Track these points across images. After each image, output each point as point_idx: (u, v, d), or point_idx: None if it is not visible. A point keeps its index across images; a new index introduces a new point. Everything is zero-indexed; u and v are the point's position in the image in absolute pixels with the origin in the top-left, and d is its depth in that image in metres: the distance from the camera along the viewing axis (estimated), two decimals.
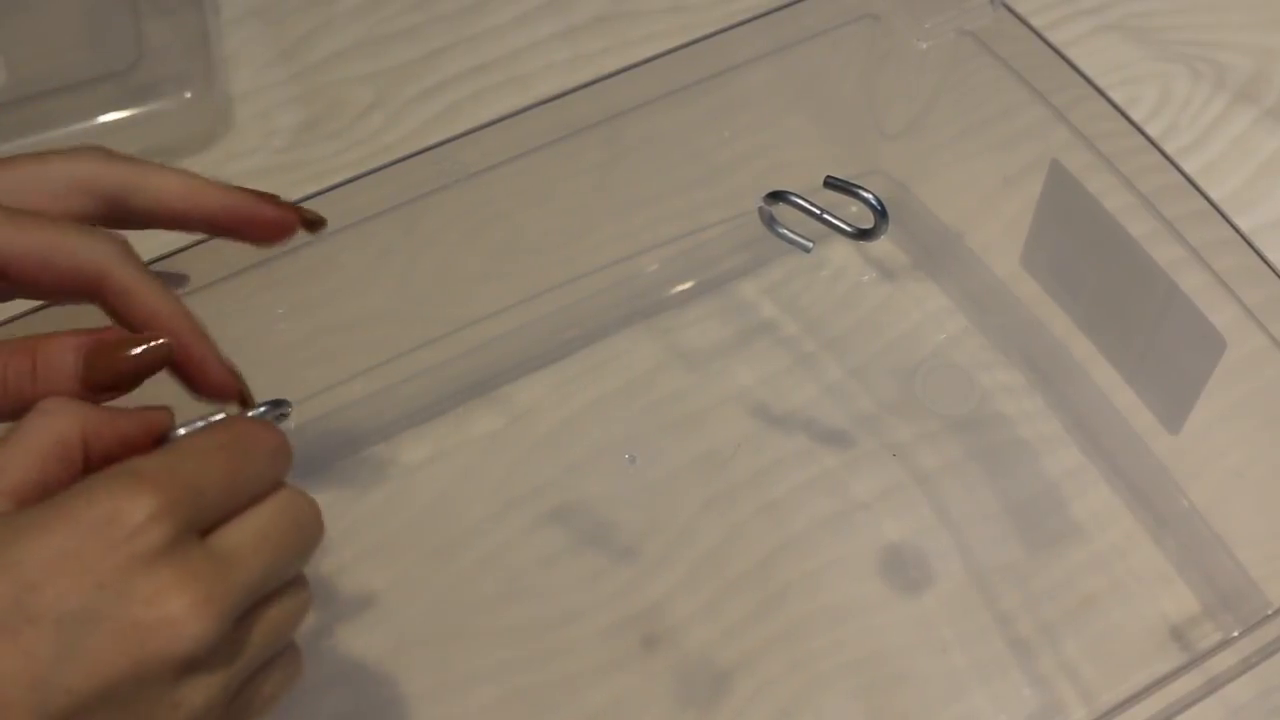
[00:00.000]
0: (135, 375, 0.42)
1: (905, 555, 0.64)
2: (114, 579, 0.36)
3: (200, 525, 0.39)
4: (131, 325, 0.43)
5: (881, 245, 0.73)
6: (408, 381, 0.67)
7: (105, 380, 0.42)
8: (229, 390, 0.45)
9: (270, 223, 0.48)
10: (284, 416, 0.46)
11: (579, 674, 0.60)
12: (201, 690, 0.38)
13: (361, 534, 0.64)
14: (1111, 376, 0.64)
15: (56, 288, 0.43)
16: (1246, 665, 0.50)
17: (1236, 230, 0.57)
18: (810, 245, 0.56)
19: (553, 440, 0.67)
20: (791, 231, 0.56)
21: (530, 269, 0.68)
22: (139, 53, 0.75)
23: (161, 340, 0.43)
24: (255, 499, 0.40)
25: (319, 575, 0.62)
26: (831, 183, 0.53)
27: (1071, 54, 0.63)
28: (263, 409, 0.45)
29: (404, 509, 0.65)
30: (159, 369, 0.43)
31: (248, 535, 0.40)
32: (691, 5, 0.83)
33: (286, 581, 0.41)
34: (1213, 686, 0.49)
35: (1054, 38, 0.71)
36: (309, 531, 0.42)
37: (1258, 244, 0.57)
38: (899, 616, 0.62)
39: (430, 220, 0.62)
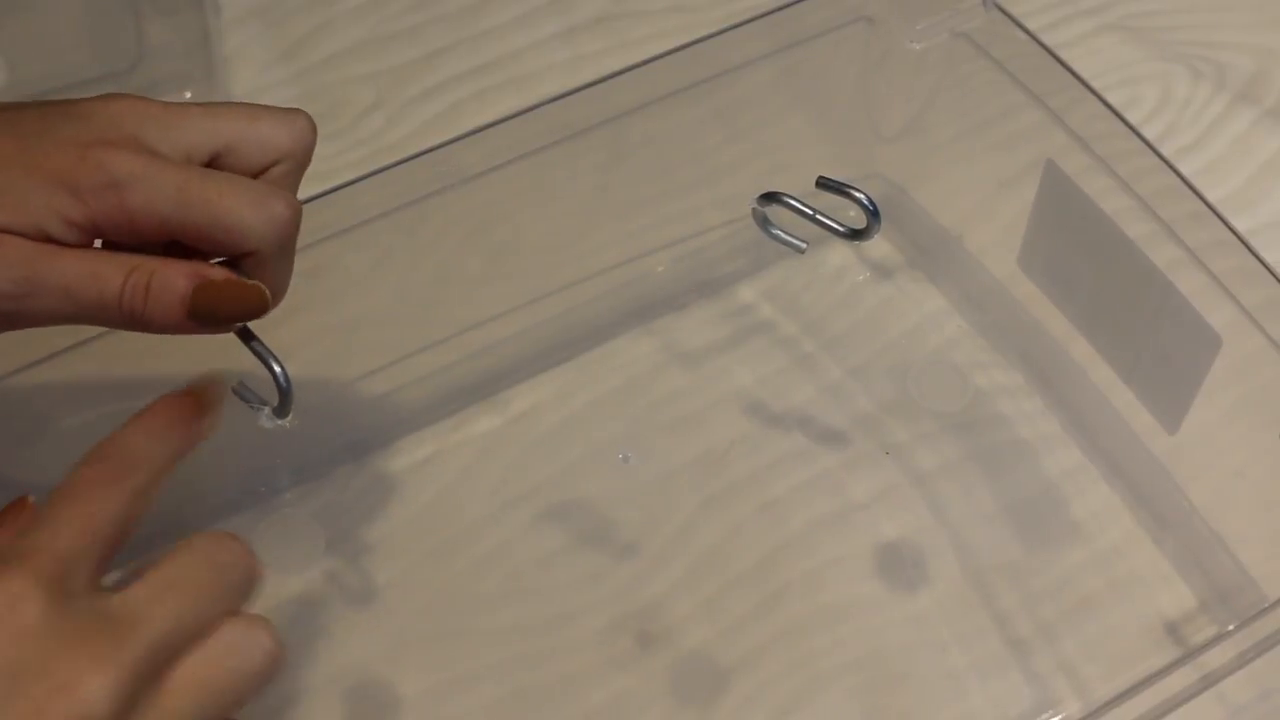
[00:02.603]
0: (234, 318, 0.46)
1: (903, 555, 0.64)
2: (6, 659, 0.36)
3: (78, 584, 0.38)
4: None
5: (879, 246, 0.73)
6: (408, 383, 0.67)
7: (206, 316, 0.45)
8: None
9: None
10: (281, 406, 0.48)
11: (578, 673, 0.60)
12: None
13: (361, 534, 0.64)
14: (1109, 377, 0.64)
15: (212, 252, 0.45)
16: (1242, 660, 0.50)
17: (1233, 231, 0.57)
18: (804, 246, 0.56)
19: (552, 440, 0.67)
20: (785, 232, 0.56)
21: (530, 271, 0.68)
22: (139, 53, 0.75)
23: (262, 291, 0.45)
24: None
25: (319, 575, 0.62)
26: (824, 183, 0.53)
27: (1071, 54, 0.63)
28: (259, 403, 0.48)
29: (404, 509, 0.65)
30: (256, 317, 0.46)
31: (149, 586, 0.39)
32: (692, 5, 0.83)
33: (224, 634, 0.40)
34: (1208, 682, 0.50)
35: (1054, 38, 0.71)
36: (230, 574, 0.41)
37: (1259, 244, 0.57)
38: (897, 616, 0.62)
39: (430, 222, 0.62)
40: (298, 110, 0.48)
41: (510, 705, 0.60)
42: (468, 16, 0.82)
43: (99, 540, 0.40)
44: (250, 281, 0.45)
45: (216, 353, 0.48)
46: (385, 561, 0.63)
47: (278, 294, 0.47)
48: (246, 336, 0.48)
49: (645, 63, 0.63)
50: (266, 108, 0.47)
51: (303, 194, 0.55)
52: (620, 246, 0.70)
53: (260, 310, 0.46)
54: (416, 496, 0.65)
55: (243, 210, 0.44)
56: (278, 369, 0.48)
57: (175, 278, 0.44)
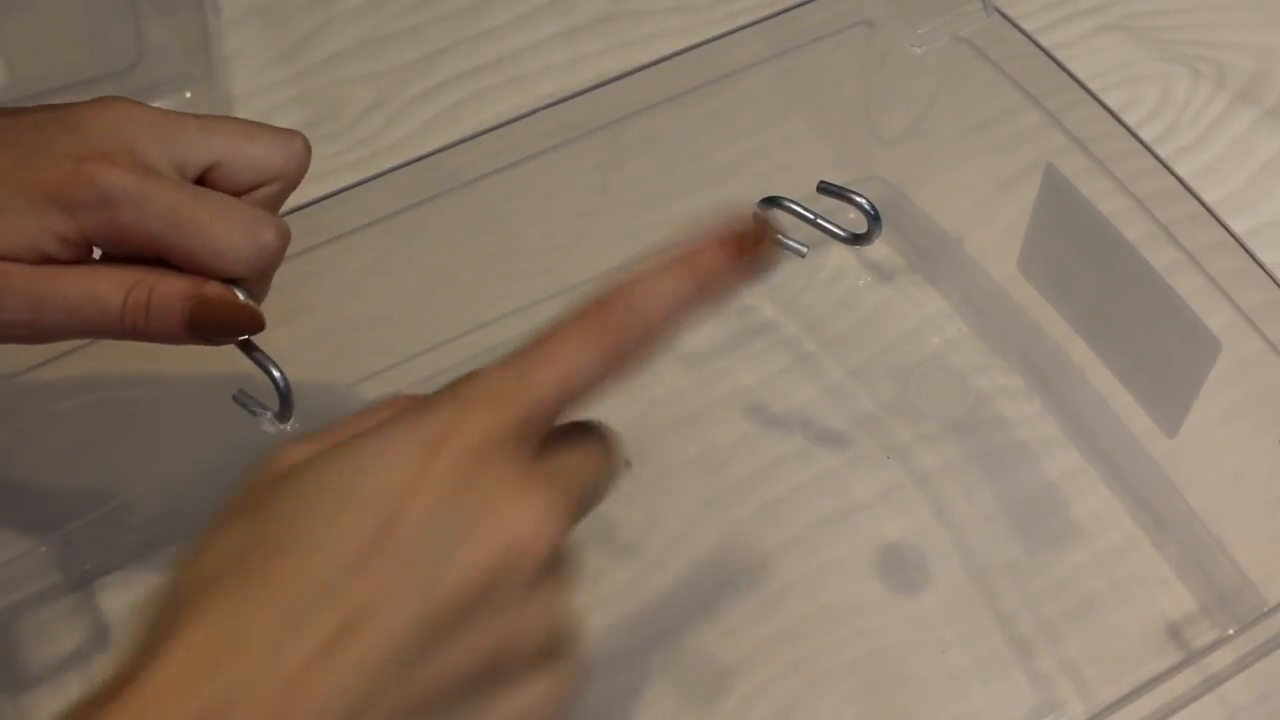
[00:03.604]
0: (229, 334, 0.47)
1: (904, 555, 0.64)
2: (467, 491, 0.37)
3: (536, 429, 0.40)
4: None
5: (879, 249, 0.73)
6: (409, 385, 0.67)
7: (202, 331, 0.46)
8: None
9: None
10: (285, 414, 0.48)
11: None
12: (554, 587, 0.39)
13: None
14: (1108, 379, 0.64)
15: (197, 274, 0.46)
16: (1243, 664, 0.50)
17: (1231, 233, 0.57)
18: (805, 250, 0.56)
19: None
20: (786, 236, 0.56)
21: (530, 272, 0.68)
22: (139, 53, 0.75)
23: (255, 311, 0.46)
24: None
25: None
26: (825, 188, 0.53)
27: (1071, 54, 0.63)
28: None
29: None
30: (250, 333, 0.47)
31: (576, 455, 0.41)
32: (692, 6, 0.83)
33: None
34: (1210, 685, 0.50)
35: (1054, 38, 0.71)
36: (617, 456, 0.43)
37: (1260, 244, 0.57)
38: (898, 616, 0.62)
39: (430, 225, 0.62)
40: (294, 132, 0.48)
41: None
42: (468, 16, 0.82)
43: (567, 394, 0.40)
44: (244, 302, 0.46)
45: (218, 357, 0.48)
46: None
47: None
48: (247, 346, 0.48)
49: (646, 66, 0.63)
50: (263, 126, 0.48)
51: (303, 195, 0.55)
52: (621, 247, 0.70)
53: (253, 329, 0.47)
54: None
55: (233, 237, 0.45)
56: (277, 374, 0.48)
57: (173, 297, 0.45)
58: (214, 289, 0.46)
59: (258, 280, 0.47)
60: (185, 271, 0.46)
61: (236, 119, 0.48)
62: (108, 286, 0.45)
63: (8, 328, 0.45)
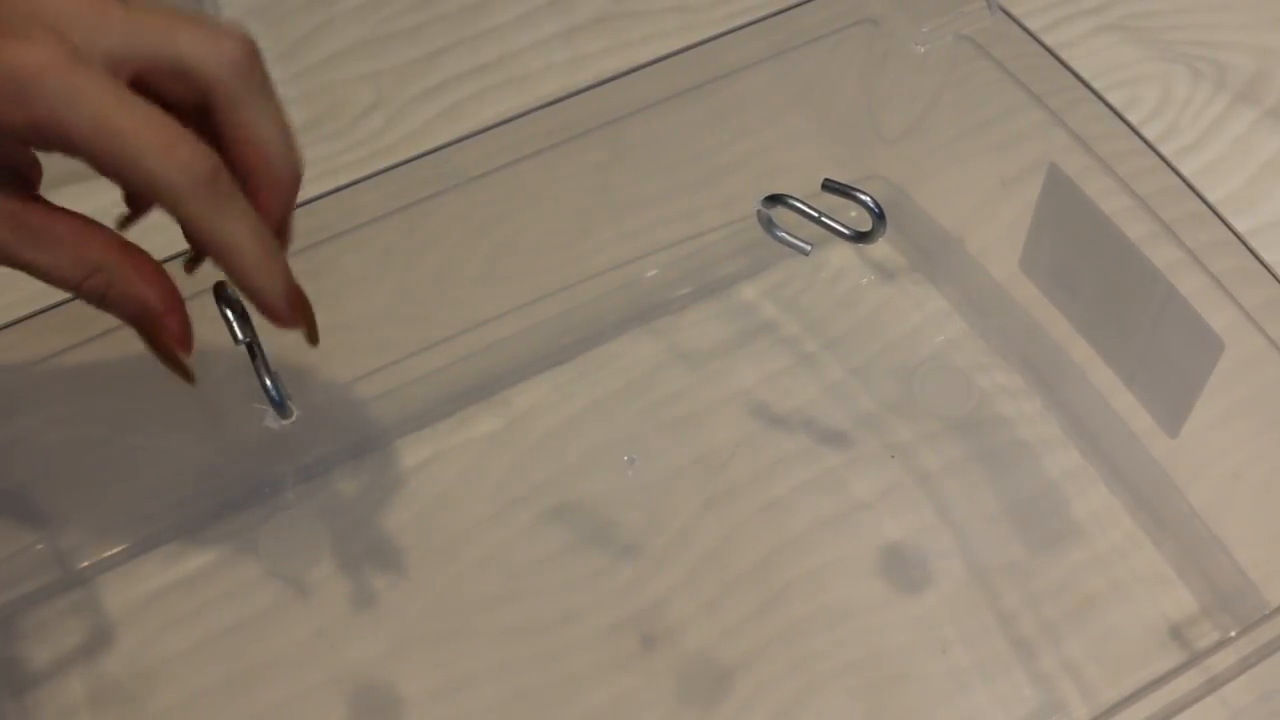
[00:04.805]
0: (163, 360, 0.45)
1: (906, 555, 0.64)
2: None
3: None
4: (233, 146, 0.43)
5: (880, 248, 0.73)
6: (408, 383, 0.67)
7: (144, 340, 0.44)
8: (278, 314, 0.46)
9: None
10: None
11: (579, 674, 0.61)
12: None
13: (361, 534, 0.64)
14: (1110, 379, 0.64)
15: (169, 95, 0.42)
16: (1245, 665, 0.50)
17: (1234, 232, 0.57)
18: (809, 248, 0.56)
19: (553, 440, 0.67)
20: (790, 234, 0.56)
21: (531, 271, 0.68)
22: None
23: (191, 375, 0.45)
24: None
25: (320, 576, 0.62)
26: (829, 186, 0.53)
27: (1072, 54, 0.63)
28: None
29: (404, 509, 0.65)
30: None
31: None
32: (692, 6, 0.83)
33: None
34: (1212, 686, 0.50)
35: (1054, 38, 0.71)
36: None
37: (1260, 244, 0.57)
38: (899, 616, 0.62)
39: (431, 223, 0.62)
40: (232, 28, 0.43)
41: (511, 706, 0.60)
42: (468, 16, 0.82)
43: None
44: (187, 364, 0.44)
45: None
46: (386, 562, 0.63)
47: (273, 179, 0.45)
48: (249, 347, 0.48)
49: (647, 64, 0.63)
50: (192, 20, 0.42)
51: (302, 194, 0.55)
52: (621, 246, 0.70)
53: (180, 375, 0.45)
54: (417, 497, 0.65)
55: (159, 158, 0.41)
56: (269, 385, 0.48)
57: (125, 303, 0.43)
58: (171, 317, 0.44)
59: (209, 220, 0.42)
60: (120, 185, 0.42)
61: (167, 12, 0.42)
62: (69, 268, 0.42)
63: None
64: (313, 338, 0.48)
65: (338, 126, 0.77)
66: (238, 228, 0.43)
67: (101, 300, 0.43)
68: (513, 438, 0.67)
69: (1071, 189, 0.61)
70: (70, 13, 0.40)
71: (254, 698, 0.60)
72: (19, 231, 0.42)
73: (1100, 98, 0.61)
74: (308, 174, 0.48)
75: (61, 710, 0.59)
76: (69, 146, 0.40)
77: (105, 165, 0.40)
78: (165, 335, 0.44)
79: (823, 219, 0.54)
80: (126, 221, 0.47)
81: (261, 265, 0.44)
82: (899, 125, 0.71)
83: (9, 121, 0.39)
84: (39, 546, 0.62)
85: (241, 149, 0.44)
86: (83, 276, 0.42)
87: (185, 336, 0.45)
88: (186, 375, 0.45)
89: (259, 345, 0.48)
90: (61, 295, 0.55)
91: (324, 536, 0.64)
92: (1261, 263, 0.57)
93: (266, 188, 0.45)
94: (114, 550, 0.63)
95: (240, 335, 0.47)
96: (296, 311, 0.46)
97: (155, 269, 0.44)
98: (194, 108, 0.43)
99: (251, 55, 0.43)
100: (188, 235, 0.44)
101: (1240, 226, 0.58)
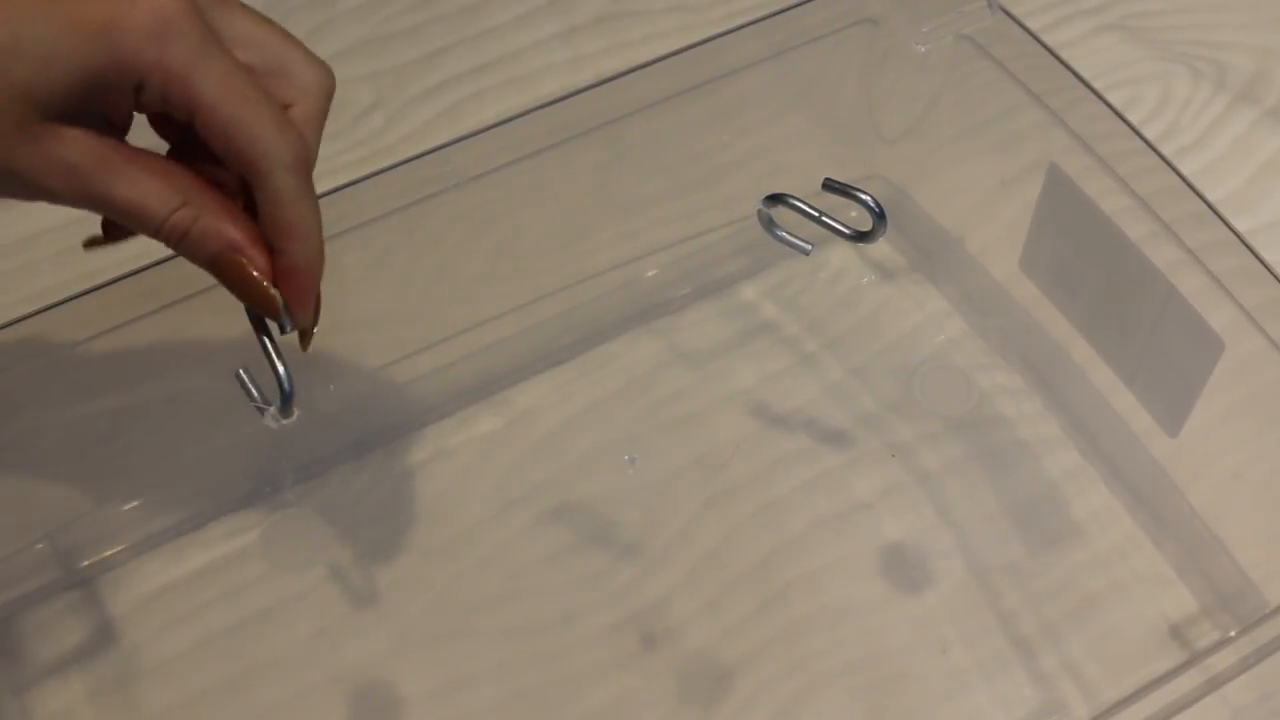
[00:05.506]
0: (244, 299, 0.46)
1: (906, 555, 0.64)
2: None
3: None
4: (266, 227, 0.45)
5: (881, 248, 0.73)
6: (409, 382, 0.67)
7: (223, 281, 0.45)
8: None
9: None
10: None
11: (579, 674, 0.61)
12: None
13: (361, 534, 0.64)
14: (1110, 378, 0.64)
15: (224, 156, 0.44)
16: (1245, 665, 0.50)
17: (1234, 232, 0.57)
18: (809, 248, 0.56)
19: (553, 440, 0.67)
20: (790, 234, 0.56)
21: (531, 271, 0.68)
22: None
23: (274, 299, 0.45)
24: None
25: (320, 574, 0.62)
26: (830, 185, 0.53)
27: (1072, 54, 0.63)
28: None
29: (405, 508, 0.65)
30: (264, 313, 0.46)
31: None
32: (692, 5, 0.83)
33: None
34: (1212, 686, 0.50)
35: (1055, 38, 0.71)
36: None
37: (1259, 244, 0.57)
38: (899, 616, 0.62)
39: (431, 222, 0.62)
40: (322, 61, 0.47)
41: (512, 705, 0.60)
42: (468, 16, 0.82)
43: None
44: (271, 290, 0.45)
45: (218, 355, 0.48)
46: (387, 561, 0.63)
47: (295, 257, 0.46)
48: (264, 333, 0.48)
49: (647, 64, 0.63)
50: (300, 43, 0.47)
51: None
52: (621, 246, 0.70)
53: (268, 311, 0.46)
54: (418, 496, 0.65)
55: (273, 132, 0.43)
56: (282, 372, 0.48)
57: (209, 239, 0.44)
58: (255, 253, 0.45)
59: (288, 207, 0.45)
60: (218, 156, 0.44)
61: (280, 29, 0.46)
62: (156, 202, 0.43)
63: (45, 194, 0.43)
64: (306, 344, 0.49)
65: (338, 126, 0.77)
66: (316, 210, 0.46)
67: (184, 237, 0.44)
68: (513, 437, 0.67)
69: (1071, 189, 0.61)
70: None
71: (254, 697, 0.60)
72: (109, 170, 0.43)
73: (1100, 98, 0.61)
74: None
75: (61, 710, 0.59)
76: (186, 98, 0.42)
77: (218, 123, 0.42)
78: (251, 269, 0.45)
79: (823, 219, 0.54)
80: (94, 243, 0.47)
81: (321, 251, 0.46)
82: (899, 125, 0.71)
83: (139, 61, 0.41)
84: (39, 546, 0.62)
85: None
86: (169, 211, 0.44)
87: (269, 268, 0.46)
88: (274, 306, 0.46)
89: (274, 337, 0.48)
90: (61, 295, 0.55)
91: (324, 536, 0.64)
92: (1262, 263, 0.57)
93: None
94: (114, 550, 0.63)
95: (261, 325, 0.48)
96: (317, 308, 0.48)
97: (237, 206, 0.46)
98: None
99: (331, 91, 0.47)
100: (265, 211, 0.45)
101: (1240, 226, 0.58)
